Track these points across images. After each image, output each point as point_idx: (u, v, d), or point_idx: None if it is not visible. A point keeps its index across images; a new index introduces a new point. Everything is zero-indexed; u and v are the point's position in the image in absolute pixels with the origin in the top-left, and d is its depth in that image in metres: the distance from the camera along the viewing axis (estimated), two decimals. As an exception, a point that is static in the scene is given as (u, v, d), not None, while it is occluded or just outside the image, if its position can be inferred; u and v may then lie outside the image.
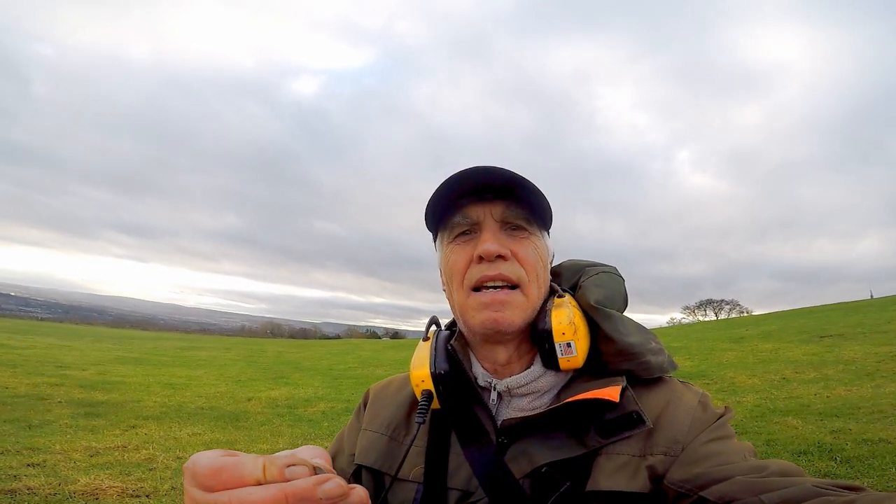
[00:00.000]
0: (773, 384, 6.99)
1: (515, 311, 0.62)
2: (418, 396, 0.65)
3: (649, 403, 0.59)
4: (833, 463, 3.52)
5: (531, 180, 0.63)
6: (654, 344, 0.64)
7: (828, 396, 5.86)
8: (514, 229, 0.64)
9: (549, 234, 0.69)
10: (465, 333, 0.68)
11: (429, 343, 0.68)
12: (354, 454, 0.69)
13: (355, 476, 0.65)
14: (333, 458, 0.72)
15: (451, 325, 0.74)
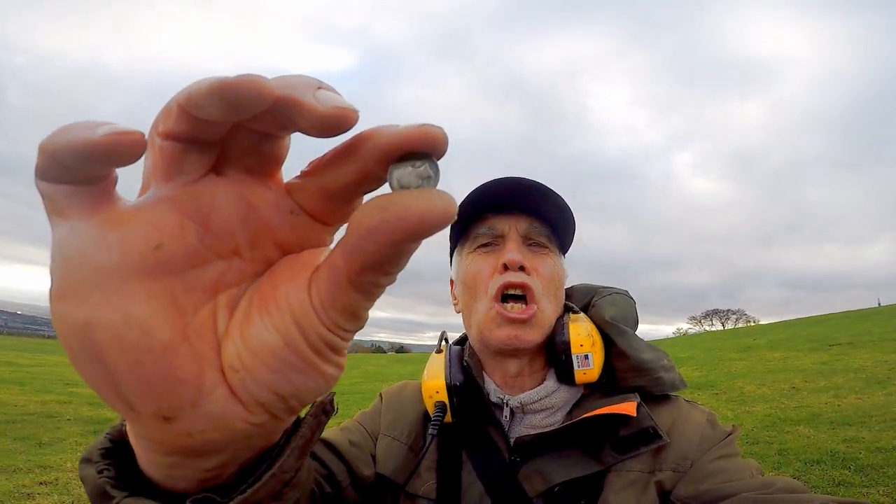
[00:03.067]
0: (782, 393, 6.93)
1: (535, 329, 0.62)
2: (429, 409, 0.64)
3: (658, 420, 0.59)
4: (847, 472, 3.49)
5: (559, 194, 0.63)
6: (665, 361, 0.65)
7: (839, 405, 5.81)
8: (535, 246, 0.65)
9: (565, 256, 0.70)
10: (477, 346, 0.68)
11: (442, 355, 0.68)
12: (375, 441, 0.67)
13: (377, 484, 0.64)
14: (350, 437, 0.67)
15: (460, 342, 0.75)
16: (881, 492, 3.03)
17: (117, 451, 0.28)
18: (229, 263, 0.19)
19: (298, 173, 0.20)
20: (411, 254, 0.18)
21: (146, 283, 0.17)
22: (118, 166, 0.17)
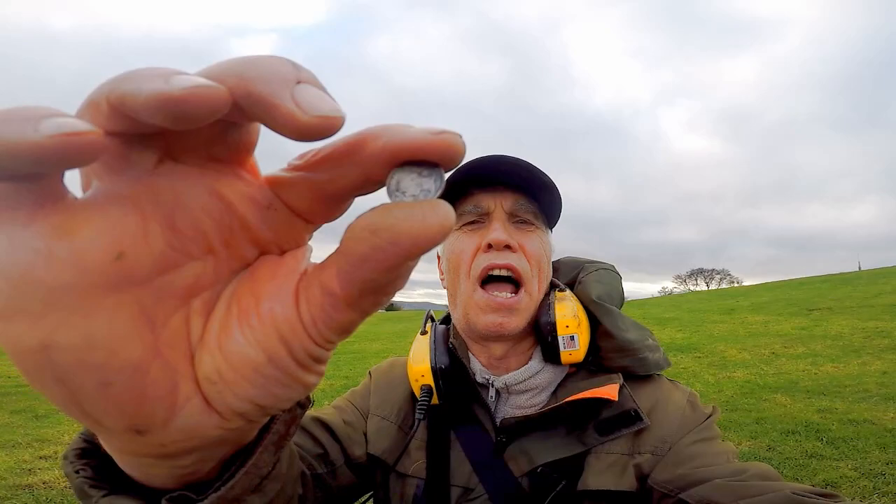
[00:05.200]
0: (762, 359, 7.16)
1: (521, 316, 0.62)
2: (416, 392, 0.65)
3: (639, 401, 0.61)
4: (819, 444, 3.66)
5: (545, 171, 0.63)
6: (650, 341, 0.66)
7: (815, 373, 6.03)
8: (522, 223, 0.65)
9: (552, 231, 0.70)
10: (462, 328, 0.67)
11: (427, 337, 0.68)
12: (366, 420, 0.68)
13: (369, 464, 0.65)
14: (343, 417, 0.68)
15: (445, 320, 0.75)
16: (850, 466, 3.18)
17: (93, 451, 0.28)
18: (203, 264, 0.18)
19: (286, 165, 0.18)
20: (412, 270, 0.18)
21: (109, 299, 0.15)
22: (67, 169, 0.14)
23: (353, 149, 0.16)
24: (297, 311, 0.17)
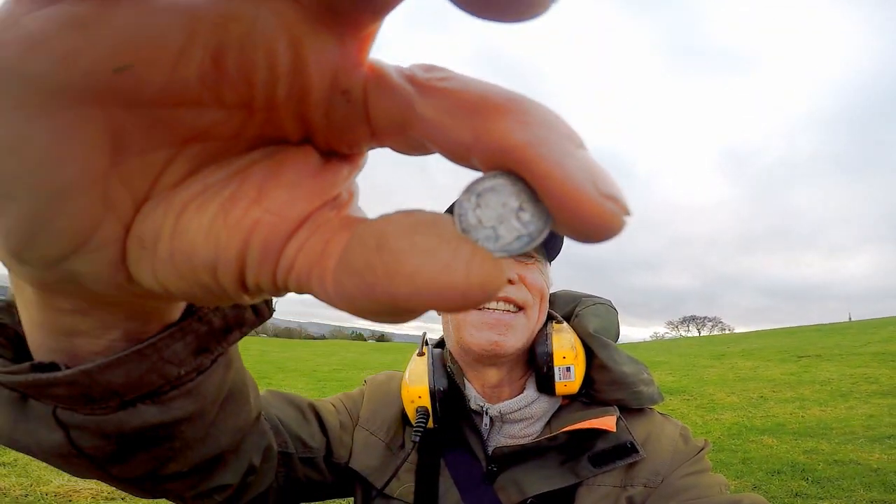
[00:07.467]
0: (751, 402, 7.09)
1: (517, 335, 0.62)
2: (410, 413, 0.63)
3: (633, 433, 0.60)
4: (805, 483, 3.59)
5: None
6: (645, 374, 0.66)
7: (803, 416, 5.97)
8: (522, 255, 0.64)
9: (550, 265, 0.70)
10: (457, 352, 0.67)
11: (424, 358, 0.67)
12: (354, 427, 0.66)
13: (347, 475, 0.63)
14: (340, 419, 0.66)
15: (438, 345, 0.74)
16: (835, 504, 3.11)
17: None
18: (228, 116, 0.13)
19: (407, 65, 0.13)
20: None
21: (76, 110, 0.11)
22: None
23: (474, 111, 0.12)
24: (285, 242, 0.13)
